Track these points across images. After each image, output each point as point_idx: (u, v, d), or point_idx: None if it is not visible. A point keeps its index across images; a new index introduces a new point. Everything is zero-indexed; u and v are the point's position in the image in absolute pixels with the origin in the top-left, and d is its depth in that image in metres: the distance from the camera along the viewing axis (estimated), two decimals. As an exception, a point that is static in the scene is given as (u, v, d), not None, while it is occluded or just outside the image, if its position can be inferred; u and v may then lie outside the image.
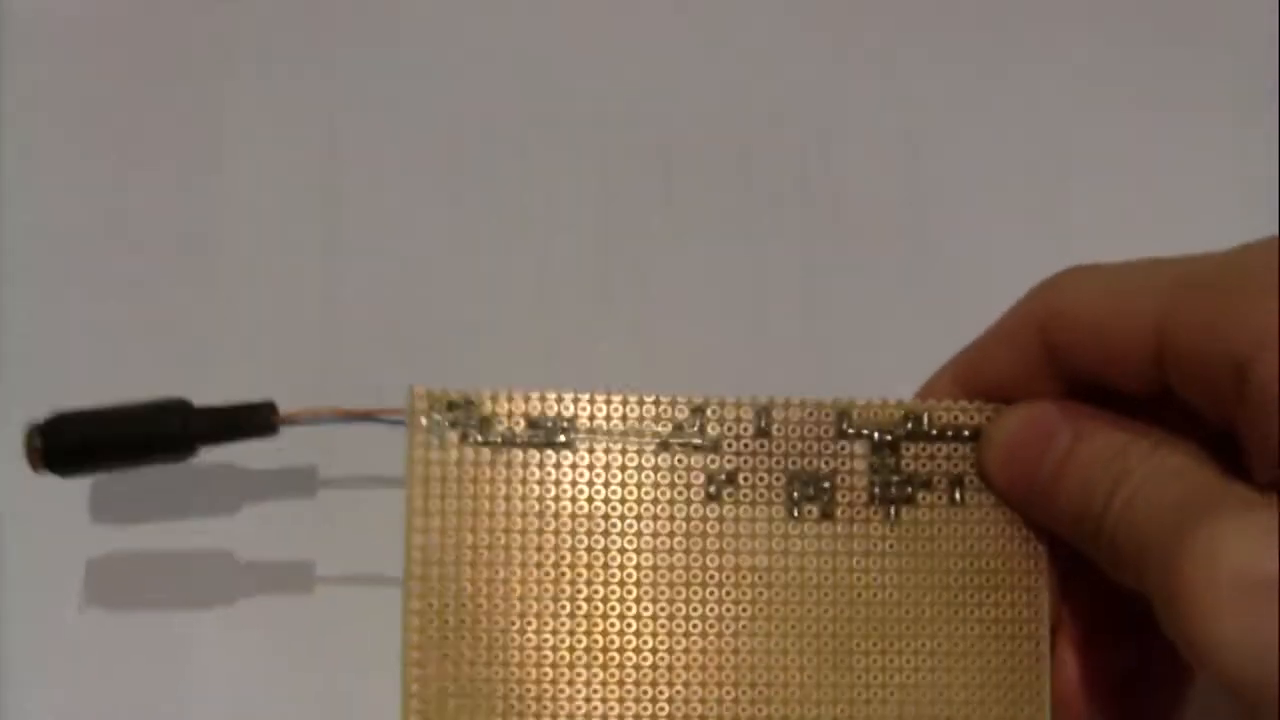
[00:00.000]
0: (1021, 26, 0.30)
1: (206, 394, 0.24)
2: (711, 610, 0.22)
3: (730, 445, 0.23)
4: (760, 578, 0.22)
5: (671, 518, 0.22)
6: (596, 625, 0.22)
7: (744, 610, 0.22)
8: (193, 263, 0.28)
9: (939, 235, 0.29)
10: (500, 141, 0.29)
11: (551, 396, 0.23)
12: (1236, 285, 0.19)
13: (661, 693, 0.22)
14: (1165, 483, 0.20)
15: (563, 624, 0.22)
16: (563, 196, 0.29)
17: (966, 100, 0.30)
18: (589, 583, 0.22)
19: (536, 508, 0.22)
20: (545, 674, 0.22)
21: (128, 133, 0.28)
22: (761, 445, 0.23)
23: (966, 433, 0.23)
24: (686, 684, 0.22)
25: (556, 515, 0.22)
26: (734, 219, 0.29)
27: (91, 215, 0.28)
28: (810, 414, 0.23)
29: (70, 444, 0.23)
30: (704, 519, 0.22)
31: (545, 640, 0.22)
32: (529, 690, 0.22)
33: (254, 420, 0.24)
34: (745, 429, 0.23)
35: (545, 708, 0.22)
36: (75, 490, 0.25)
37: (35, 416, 0.23)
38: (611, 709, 0.22)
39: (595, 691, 0.22)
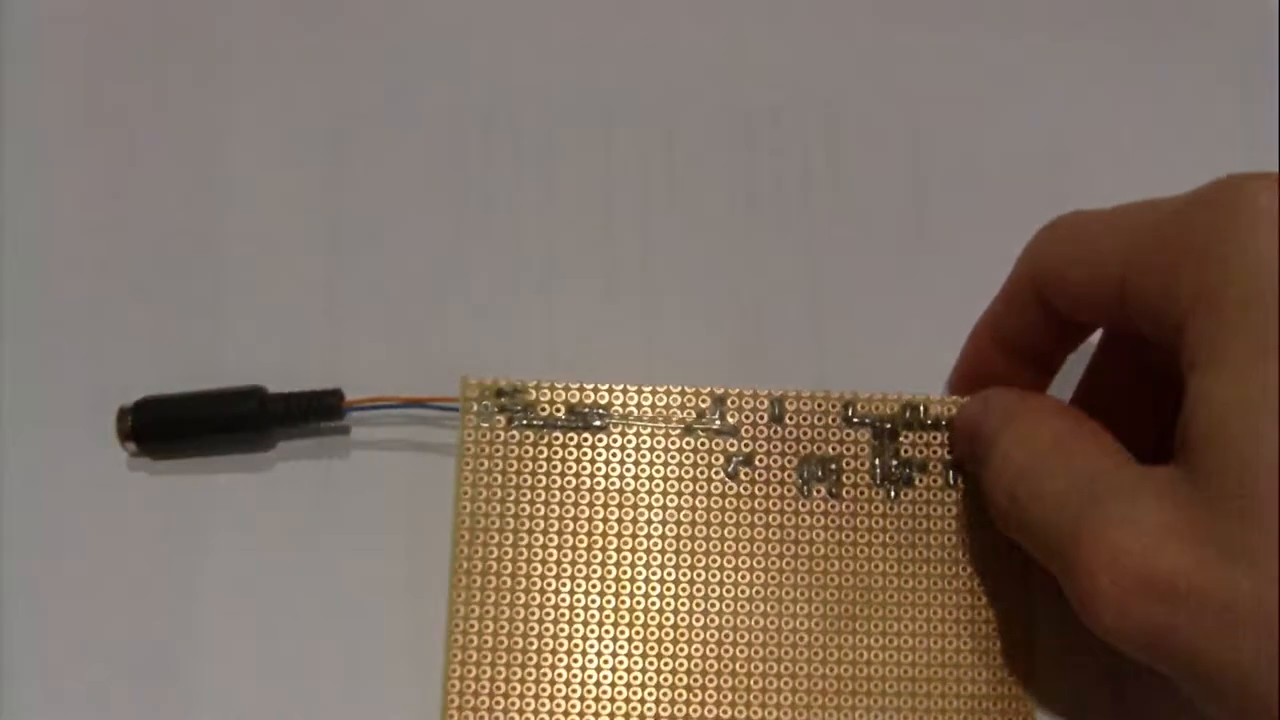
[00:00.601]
0: (1023, 23, 0.31)
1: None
2: (729, 577, 0.25)
3: (748, 431, 0.25)
4: (774, 549, 0.25)
5: (694, 494, 0.25)
6: (625, 589, 0.24)
7: (758, 578, 0.25)
8: (193, 262, 0.28)
9: (943, 228, 0.29)
10: (499, 135, 0.29)
11: (589, 386, 0.25)
12: (1180, 243, 0.19)
13: (682, 650, 0.24)
14: (1058, 476, 0.21)
15: (594, 586, 0.24)
16: (567, 189, 0.29)
17: (969, 91, 0.30)
18: (619, 549, 0.25)
19: (574, 483, 0.25)
20: (577, 630, 0.24)
21: (128, 132, 0.29)
22: (775, 431, 0.25)
23: (958, 422, 0.25)
24: (705, 643, 0.24)
25: (591, 490, 0.25)
26: (738, 210, 0.29)
27: (92, 215, 0.28)
28: (819, 404, 0.25)
29: (156, 423, 0.26)
30: (723, 495, 0.25)
31: (578, 600, 0.24)
32: (562, 645, 0.24)
33: (323, 404, 0.26)
34: (761, 417, 0.25)
35: (575, 662, 0.24)
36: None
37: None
38: (636, 663, 0.24)
39: (621, 648, 0.24)
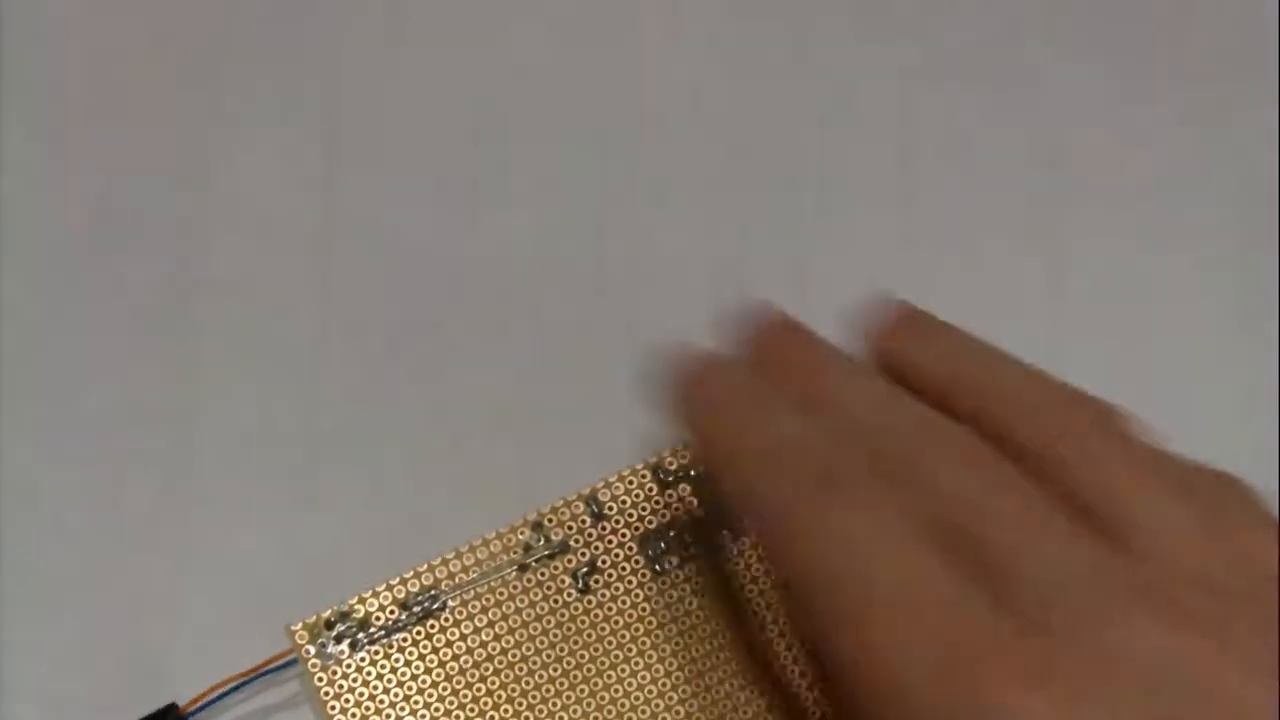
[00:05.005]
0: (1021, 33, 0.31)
1: (206, 395, 0.26)
2: (618, 687, 0.24)
3: (577, 540, 0.25)
4: (662, 634, 0.24)
5: (557, 624, 0.24)
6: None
7: (654, 670, 0.24)
8: (194, 262, 0.28)
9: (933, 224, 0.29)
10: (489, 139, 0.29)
11: (409, 574, 0.24)
12: None
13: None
14: None
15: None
16: (556, 184, 0.29)
17: (962, 84, 0.30)
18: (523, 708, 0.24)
19: (441, 673, 0.24)
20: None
21: (128, 132, 0.29)
22: (603, 528, 0.25)
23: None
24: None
25: (460, 670, 0.24)
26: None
27: (92, 215, 0.28)
28: (630, 481, 0.25)
29: None
30: (585, 611, 0.24)
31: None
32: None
33: None
34: (584, 521, 0.25)
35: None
36: None
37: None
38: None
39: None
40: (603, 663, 0.24)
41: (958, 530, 0.18)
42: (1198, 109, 0.30)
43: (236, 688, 0.25)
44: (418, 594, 0.24)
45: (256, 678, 0.25)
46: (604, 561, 0.24)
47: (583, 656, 0.24)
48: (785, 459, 0.20)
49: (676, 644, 0.24)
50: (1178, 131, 0.30)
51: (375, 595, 0.24)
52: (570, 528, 0.25)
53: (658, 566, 0.24)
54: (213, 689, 0.25)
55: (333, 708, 0.24)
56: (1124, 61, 0.30)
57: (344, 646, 0.24)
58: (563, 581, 0.24)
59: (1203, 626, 0.16)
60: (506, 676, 0.24)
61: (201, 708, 0.24)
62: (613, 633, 0.24)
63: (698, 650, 0.24)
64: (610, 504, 0.25)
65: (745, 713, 0.24)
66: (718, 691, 0.24)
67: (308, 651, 0.24)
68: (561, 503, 0.25)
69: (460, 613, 0.24)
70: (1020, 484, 0.19)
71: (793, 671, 0.24)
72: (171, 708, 0.25)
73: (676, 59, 0.30)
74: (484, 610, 0.24)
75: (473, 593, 0.24)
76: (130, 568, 0.26)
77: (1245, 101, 0.30)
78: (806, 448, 0.20)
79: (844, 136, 0.30)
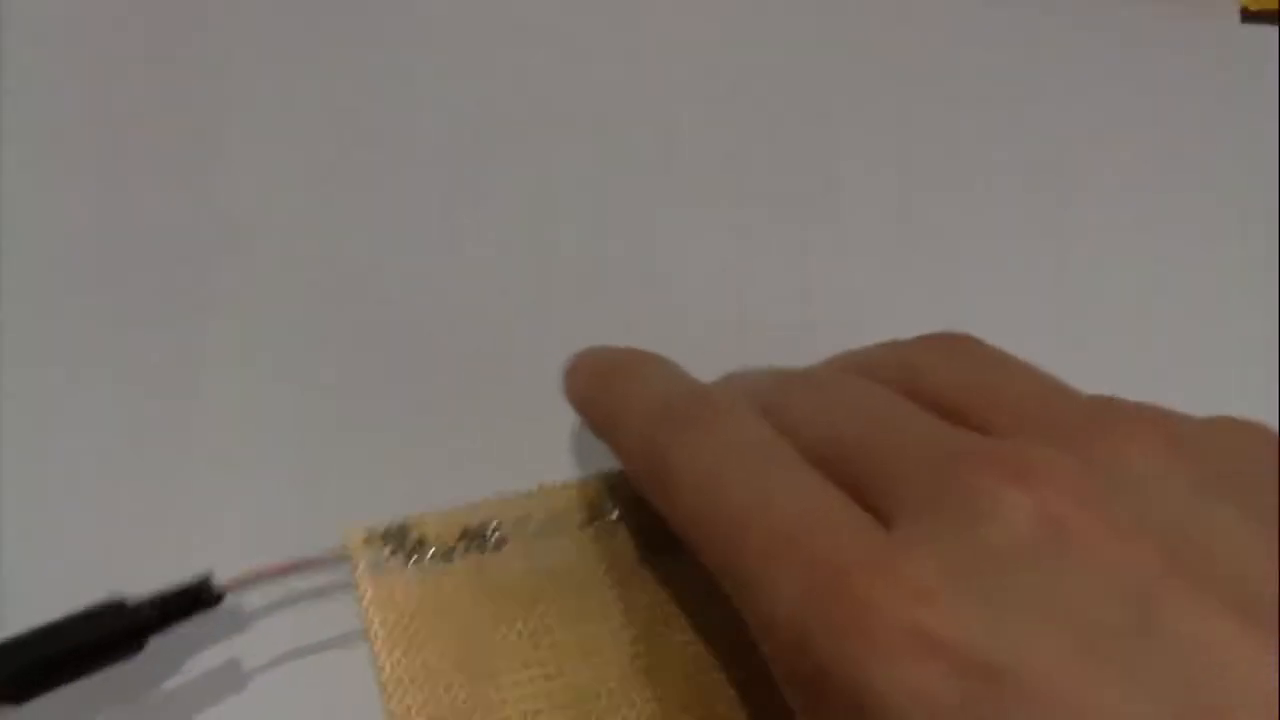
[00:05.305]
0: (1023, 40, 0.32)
1: (205, 396, 0.25)
2: (673, 654, 0.24)
3: (645, 510, 0.25)
4: (702, 614, 0.24)
5: (611, 584, 0.24)
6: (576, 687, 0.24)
7: (703, 647, 0.24)
8: (195, 262, 0.28)
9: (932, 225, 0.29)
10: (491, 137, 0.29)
11: (476, 505, 0.24)
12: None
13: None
14: None
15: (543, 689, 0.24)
16: (558, 183, 0.29)
17: (961, 86, 0.31)
18: (561, 660, 0.24)
19: (491, 607, 0.24)
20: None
21: (128, 132, 0.28)
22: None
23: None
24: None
25: (507, 609, 0.24)
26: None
27: (92, 215, 0.28)
28: None
29: (22, 677, 0.23)
30: (641, 579, 0.24)
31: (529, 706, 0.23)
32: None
33: (195, 598, 0.24)
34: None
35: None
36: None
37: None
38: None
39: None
40: (642, 632, 0.24)
41: (824, 443, 0.19)
42: (1198, 109, 0.31)
43: (277, 576, 0.24)
44: (480, 526, 0.24)
45: (301, 571, 0.24)
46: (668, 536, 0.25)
47: (627, 622, 0.24)
48: (656, 406, 0.21)
49: (720, 636, 0.24)
50: (1178, 131, 0.31)
51: (438, 519, 0.24)
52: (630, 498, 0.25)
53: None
54: (252, 572, 0.24)
55: (373, 618, 0.24)
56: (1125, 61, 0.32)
57: (398, 560, 0.24)
58: (624, 546, 0.25)
59: (1062, 483, 0.16)
60: (548, 623, 0.24)
61: (237, 590, 0.24)
62: (660, 605, 0.24)
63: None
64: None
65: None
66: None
67: (360, 556, 0.24)
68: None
69: (517, 552, 0.24)
70: (884, 393, 0.20)
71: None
72: (206, 582, 0.24)
73: (677, 59, 0.31)
74: (543, 555, 0.24)
75: (535, 536, 0.24)
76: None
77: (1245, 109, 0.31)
78: (684, 393, 0.21)
79: (844, 136, 0.30)
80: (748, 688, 0.24)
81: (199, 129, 0.29)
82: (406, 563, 0.24)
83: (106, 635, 0.24)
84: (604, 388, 0.23)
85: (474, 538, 0.24)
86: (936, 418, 0.19)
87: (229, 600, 0.24)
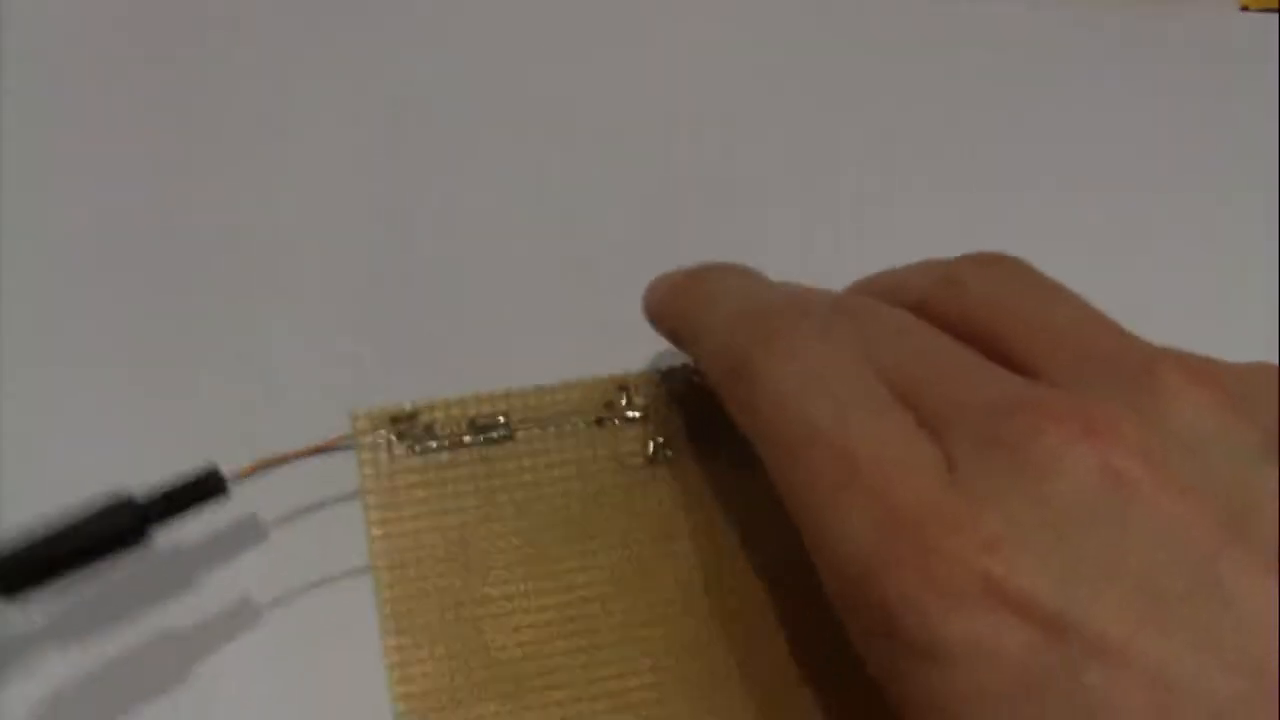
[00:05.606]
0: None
1: (204, 394, 0.25)
2: (668, 562, 0.23)
3: (657, 414, 0.24)
4: (709, 523, 0.24)
5: (615, 485, 0.24)
6: (568, 591, 0.23)
7: (704, 557, 0.24)
8: (195, 263, 0.27)
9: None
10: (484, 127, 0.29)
11: (486, 395, 0.24)
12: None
13: (638, 647, 0.23)
14: None
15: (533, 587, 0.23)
16: (557, 182, 0.29)
17: (960, 84, 0.30)
18: (555, 559, 0.23)
19: (491, 499, 0.23)
20: (525, 639, 0.23)
21: (128, 132, 0.28)
22: (688, 409, 0.24)
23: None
24: (663, 636, 0.23)
25: (508, 502, 0.23)
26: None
27: (92, 215, 0.27)
28: None
29: (20, 568, 0.23)
30: (642, 482, 0.24)
31: (517, 604, 0.23)
32: (515, 654, 0.23)
33: (202, 488, 0.24)
34: (668, 397, 0.24)
35: (532, 675, 0.23)
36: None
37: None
38: (592, 674, 0.23)
39: (574, 655, 0.23)
40: (644, 535, 0.24)
41: (894, 370, 0.19)
42: (1198, 109, 0.31)
43: (285, 463, 0.24)
44: (488, 416, 0.24)
45: (309, 456, 0.24)
46: (678, 441, 0.24)
47: (631, 523, 0.24)
48: (747, 309, 0.21)
49: (725, 540, 0.23)
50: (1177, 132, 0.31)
51: (446, 406, 0.24)
52: (653, 400, 0.24)
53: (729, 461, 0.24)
54: (260, 461, 0.24)
55: (372, 500, 0.23)
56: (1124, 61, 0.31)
57: (401, 446, 0.24)
58: (633, 447, 0.24)
59: (1126, 440, 0.17)
60: (549, 520, 0.24)
61: (245, 479, 0.24)
62: (665, 512, 0.24)
63: (749, 557, 0.24)
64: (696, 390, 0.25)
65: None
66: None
67: (366, 439, 0.24)
68: (651, 374, 0.25)
69: (525, 447, 0.24)
70: (946, 338, 0.20)
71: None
72: (214, 472, 0.24)
73: (677, 60, 0.30)
74: (548, 451, 0.24)
75: (543, 431, 0.24)
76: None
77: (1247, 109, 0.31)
78: (776, 301, 0.21)
79: (844, 136, 0.30)
80: (742, 605, 0.24)
81: (199, 129, 0.28)
82: (412, 449, 0.24)
83: (111, 526, 0.23)
84: (689, 292, 0.23)
85: (482, 429, 0.24)
86: (997, 365, 0.19)
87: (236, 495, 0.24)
